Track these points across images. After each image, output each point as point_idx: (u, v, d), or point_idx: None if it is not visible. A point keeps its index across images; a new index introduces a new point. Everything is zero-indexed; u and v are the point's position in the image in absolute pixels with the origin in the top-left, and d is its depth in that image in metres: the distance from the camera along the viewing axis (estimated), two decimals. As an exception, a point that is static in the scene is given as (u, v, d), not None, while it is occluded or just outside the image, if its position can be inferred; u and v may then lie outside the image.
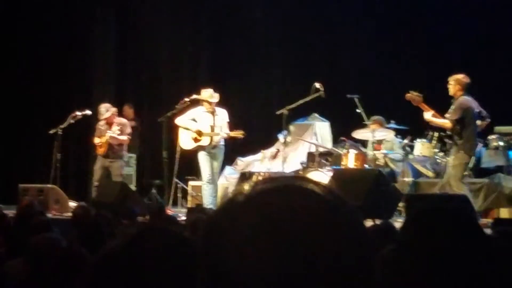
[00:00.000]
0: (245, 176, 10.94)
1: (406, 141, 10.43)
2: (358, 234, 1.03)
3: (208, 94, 10.22)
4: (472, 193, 9.16)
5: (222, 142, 10.34)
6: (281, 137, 11.34)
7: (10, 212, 7.76)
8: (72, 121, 10.98)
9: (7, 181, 11.58)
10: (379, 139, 10.52)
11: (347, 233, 1.01)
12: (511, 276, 2.03)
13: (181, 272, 1.28)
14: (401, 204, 9.22)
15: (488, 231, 7.01)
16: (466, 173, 9.21)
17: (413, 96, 9.01)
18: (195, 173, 11.30)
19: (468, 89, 8.89)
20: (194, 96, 10.39)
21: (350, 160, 10.13)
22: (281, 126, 10.76)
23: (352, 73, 12.68)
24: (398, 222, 6.70)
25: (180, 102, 10.53)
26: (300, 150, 12.06)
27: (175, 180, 11.15)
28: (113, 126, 10.81)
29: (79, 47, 13.28)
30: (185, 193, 11.59)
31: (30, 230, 4.72)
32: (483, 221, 8.57)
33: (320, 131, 12.16)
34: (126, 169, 11.96)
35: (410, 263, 1.81)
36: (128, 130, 10.97)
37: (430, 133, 9.95)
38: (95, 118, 11.15)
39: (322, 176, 9.73)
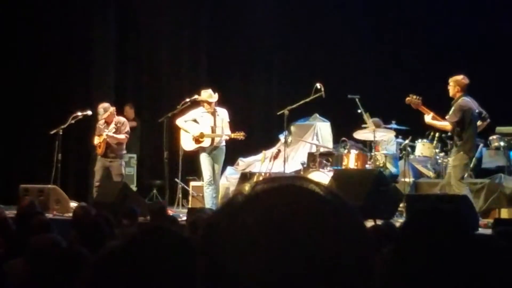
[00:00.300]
0: (246, 176, 10.95)
1: (407, 141, 10.43)
2: (358, 235, 1.03)
3: (207, 94, 10.22)
4: (473, 193, 9.16)
5: (223, 144, 10.34)
6: (282, 137, 11.34)
7: (11, 212, 7.77)
8: (72, 121, 10.99)
9: (7, 182, 11.58)
10: (379, 139, 10.50)
11: (347, 233, 1.01)
12: (511, 276, 2.03)
13: (181, 272, 1.28)
14: (402, 205, 9.22)
15: (488, 231, 7.02)
16: (466, 173, 9.21)
17: (412, 99, 9.03)
18: (196, 173, 11.30)
19: (467, 90, 8.90)
20: (196, 96, 10.39)
21: (351, 160, 10.13)
22: (282, 127, 10.77)
23: (352, 73, 12.68)
24: (398, 223, 6.70)
25: (181, 103, 10.54)
26: (301, 150, 12.07)
27: (176, 180, 11.15)
28: (110, 125, 10.81)
29: (79, 47, 13.27)
30: (186, 193, 11.59)
31: (31, 230, 4.72)
32: (484, 221, 8.57)
33: (321, 132, 12.16)
34: (127, 169, 11.97)
35: (408, 262, 1.82)
36: (126, 128, 10.96)
37: (431, 133, 9.96)
38: (95, 118, 11.15)
39: (322, 176, 9.74)
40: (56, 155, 10.85)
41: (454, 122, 8.77)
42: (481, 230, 7.56)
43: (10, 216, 6.62)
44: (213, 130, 10.22)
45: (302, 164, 11.21)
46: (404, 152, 10.35)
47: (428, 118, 8.97)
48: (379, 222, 6.87)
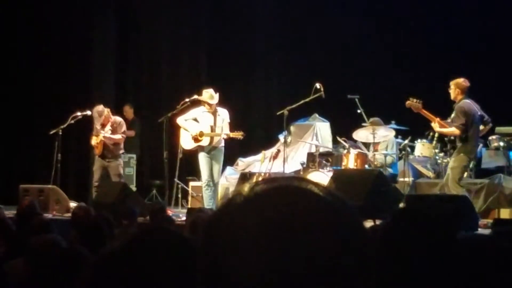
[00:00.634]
0: (245, 177, 10.94)
1: (406, 141, 10.43)
2: (357, 235, 1.03)
3: (208, 95, 10.20)
4: (472, 194, 9.17)
5: (222, 144, 10.32)
6: (281, 137, 11.34)
7: (11, 212, 7.77)
8: (72, 121, 10.99)
9: (7, 182, 11.59)
10: (378, 140, 10.50)
11: (346, 233, 1.01)
12: (511, 276, 2.03)
13: (181, 272, 1.28)
14: (401, 205, 9.21)
15: (488, 231, 7.03)
16: (465, 175, 9.21)
17: (413, 103, 9.04)
18: (196, 173, 11.30)
19: (468, 93, 8.91)
20: (195, 97, 10.39)
21: (350, 160, 10.13)
22: (282, 127, 10.77)
23: (352, 73, 12.68)
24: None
25: (180, 103, 10.53)
26: (300, 150, 12.07)
27: (176, 180, 11.14)
28: (106, 126, 10.82)
29: (79, 47, 13.27)
30: (185, 193, 11.58)
31: (31, 230, 4.72)
32: (483, 221, 8.57)
33: (320, 132, 12.16)
34: (127, 169, 11.97)
35: (388, 262, 1.83)
36: (123, 128, 10.97)
37: (431, 133, 9.96)
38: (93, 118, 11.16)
39: (322, 176, 9.74)
40: (55, 155, 10.85)
41: (460, 125, 8.79)
42: (480, 230, 7.56)
43: (10, 216, 6.63)
44: (213, 130, 10.21)
45: (302, 164, 11.20)
46: (403, 152, 10.35)
47: (436, 127, 9.02)
48: (378, 222, 6.87)
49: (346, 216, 1.03)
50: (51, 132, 10.91)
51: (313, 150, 11.27)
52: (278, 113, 10.54)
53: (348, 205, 1.04)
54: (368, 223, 6.88)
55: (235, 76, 13.85)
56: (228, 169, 11.97)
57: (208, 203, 10.04)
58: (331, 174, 9.65)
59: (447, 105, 9.06)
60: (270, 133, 12.52)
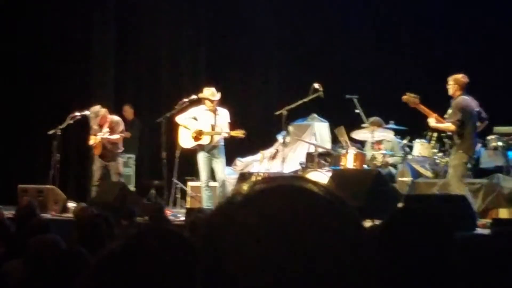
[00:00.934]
0: (244, 177, 10.93)
1: (405, 141, 10.43)
2: (357, 235, 1.03)
3: (210, 92, 10.22)
4: (471, 194, 9.16)
5: (222, 142, 10.31)
6: (280, 137, 11.33)
7: (10, 212, 7.76)
8: (71, 121, 10.99)
9: (6, 182, 11.57)
10: (378, 139, 10.51)
11: (345, 233, 1.02)
12: (510, 275, 2.03)
13: (181, 272, 1.28)
14: (400, 205, 9.21)
15: (487, 231, 7.03)
16: (468, 172, 9.20)
17: (409, 98, 8.99)
18: (195, 173, 11.29)
19: (466, 89, 8.87)
20: (194, 96, 10.39)
21: (349, 160, 10.13)
22: (280, 127, 10.76)
23: (351, 73, 12.68)
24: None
25: (179, 103, 10.53)
26: (299, 150, 12.06)
27: (174, 180, 11.14)
28: (104, 127, 10.82)
29: (78, 48, 13.27)
30: (184, 193, 11.58)
31: (29, 231, 4.72)
32: (482, 221, 8.57)
33: (319, 132, 12.15)
34: (126, 169, 11.96)
35: (387, 261, 1.83)
36: (121, 127, 10.97)
37: (429, 133, 9.95)
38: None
39: (321, 176, 9.73)
40: (54, 156, 10.85)
41: (456, 121, 8.72)
42: (479, 230, 7.56)
43: (9, 217, 6.62)
44: (213, 129, 10.20)
45: (301, 164, 11.20)
46: (402, 152, 10.36)
47: (432, 122, 8.95)
48: (377, 222, 6.87)
49: (346, 215, 1.04)
50: (50, 132, 10.91)
51: (312, 150, 11.27)
52: (276, 113, 10.54)
53: (347, 205, 1.05)
54: (367, 223, 6.89)
55: (234, 76, 13.84)
56: (227, 169, 11.95)
57: (207, 203, 10.02)
58: (330, 174, 9.65)
59: (447, 105, 9.04)
60: (269, 133, 12.51)
